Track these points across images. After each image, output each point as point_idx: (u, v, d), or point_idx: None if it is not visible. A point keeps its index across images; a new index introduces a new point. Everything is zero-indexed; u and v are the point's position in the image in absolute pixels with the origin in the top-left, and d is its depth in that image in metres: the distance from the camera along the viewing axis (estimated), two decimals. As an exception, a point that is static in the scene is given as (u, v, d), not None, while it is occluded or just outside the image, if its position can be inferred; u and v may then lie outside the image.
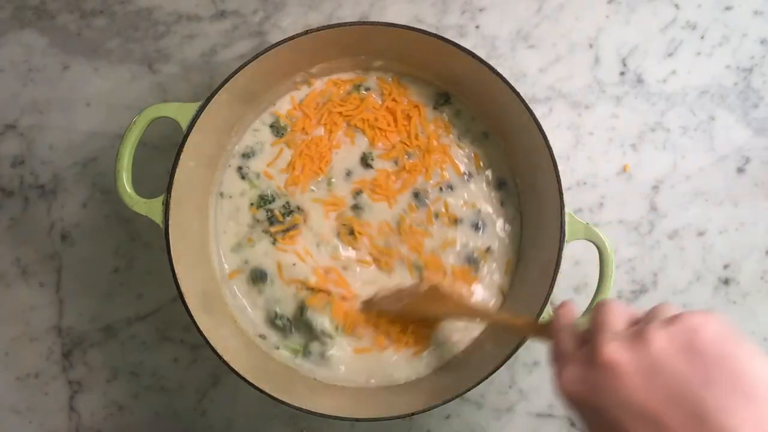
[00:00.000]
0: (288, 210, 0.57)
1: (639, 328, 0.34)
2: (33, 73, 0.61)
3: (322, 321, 0.56)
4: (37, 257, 0.61)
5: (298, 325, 0.56)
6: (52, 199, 0.61)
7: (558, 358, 0.38)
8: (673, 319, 0.33)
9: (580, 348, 0.37)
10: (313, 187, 0.57)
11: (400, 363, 0.57)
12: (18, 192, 0.61)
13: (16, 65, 0.61)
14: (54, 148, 0.61)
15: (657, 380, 0.32)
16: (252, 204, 0.57)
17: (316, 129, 0.58)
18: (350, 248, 0.57)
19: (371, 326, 0.56)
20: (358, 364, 0.56)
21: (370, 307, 0.56)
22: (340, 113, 0.57)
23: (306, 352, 0.56)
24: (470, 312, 0.53)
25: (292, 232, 0.57)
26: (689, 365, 0.31)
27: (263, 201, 0.57)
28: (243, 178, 0.57)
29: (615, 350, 0.33)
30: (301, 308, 0.56)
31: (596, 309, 0.37)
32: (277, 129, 0.58)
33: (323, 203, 0.57)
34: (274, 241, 0.57)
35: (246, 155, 0.57)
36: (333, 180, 0.57)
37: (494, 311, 0.57)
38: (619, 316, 0.36)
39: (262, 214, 0.57)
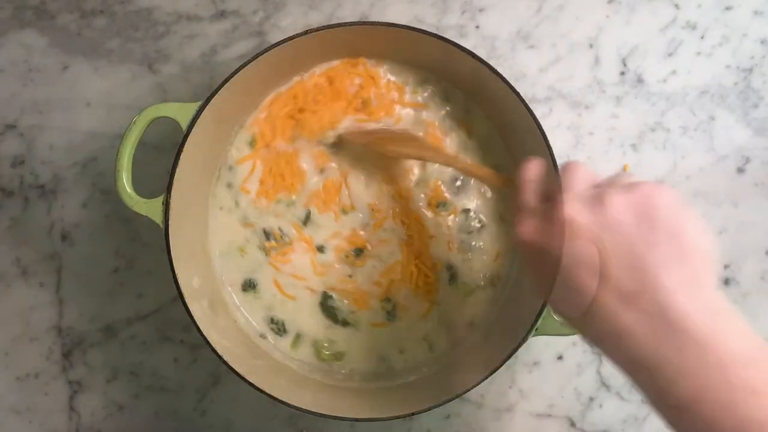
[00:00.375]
0: (283, 232, 0.57)
1: (599, 191, 0.37)
2: (33, 73, 0.61)
3: (344, 306, 0.57)
4: (37, 257, 0.61)
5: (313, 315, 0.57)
6: (52, 199, 0.61)
7: (521, 209, 0.41)
8: (630, 186, 0.37)
9: (542, 203, 0.40)
10: (276, 206, 0.57)
11: (411, 333, 0.57)
12: (18, 192, 0.61)
13: (16, 65, 0.61)
14: (54, 148, 0.61)
15: (608, 237, 0.36)
16: (240, 220, 0.57)
17: (277, 142, 0.57)
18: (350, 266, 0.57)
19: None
20: (373, 343, 0.57)
21: (343, 140, 0.57)
22: (287, 114, 0.57)
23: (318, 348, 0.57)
24: (439, 155, 0.54)
25: (285, 249, 0.57)
26: (639, 227, 0.35)
27: (246, 218, 0.57)
28: (231, 193, 0.57)
29: (575, 210, 0.37)
30: (324, 295, 0.57)
31: (562, 169, 0.40)
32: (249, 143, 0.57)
33: (291, 224, 0.57)
34: (267, 255, 0.57)
35: (231, 168, 0.57)
36: (294, 198, 0.57)
37: (463, 159, 0.57)
38: (582, 179, 0.39)
39: (257, 229, 0.57)
